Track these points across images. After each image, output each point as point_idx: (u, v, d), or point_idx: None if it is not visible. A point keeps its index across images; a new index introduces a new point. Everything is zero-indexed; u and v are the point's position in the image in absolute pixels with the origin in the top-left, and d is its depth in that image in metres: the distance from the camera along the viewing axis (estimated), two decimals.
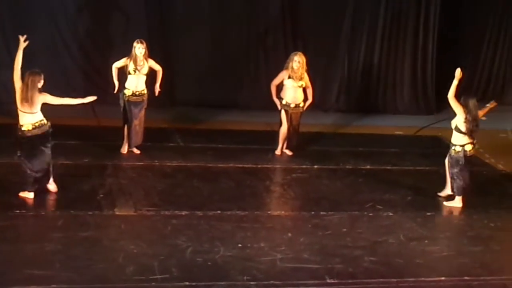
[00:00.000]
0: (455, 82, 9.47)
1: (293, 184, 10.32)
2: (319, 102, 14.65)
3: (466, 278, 7.68)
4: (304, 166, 11.07)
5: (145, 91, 10.77)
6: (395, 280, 7.51)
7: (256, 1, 14.30)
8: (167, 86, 13.85)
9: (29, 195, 8.80)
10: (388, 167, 11.37)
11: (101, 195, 9.20)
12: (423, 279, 7.66)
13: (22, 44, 8.73)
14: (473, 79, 15.75)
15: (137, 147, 10.93)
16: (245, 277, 7.24)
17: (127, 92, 10.68)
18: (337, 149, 12.12)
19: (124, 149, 10.88)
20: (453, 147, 9.58)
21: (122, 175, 10.05)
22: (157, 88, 10.94)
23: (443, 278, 7.71)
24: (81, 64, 13.62)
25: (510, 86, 16.40)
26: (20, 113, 8.73)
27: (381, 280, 7.48)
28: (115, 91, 10.73)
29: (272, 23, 14.44)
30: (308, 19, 14.56)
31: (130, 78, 10.65)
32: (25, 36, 8.77)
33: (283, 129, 11.37)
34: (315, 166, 11.11)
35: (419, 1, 14.97)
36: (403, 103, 15.11)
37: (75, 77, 13.43)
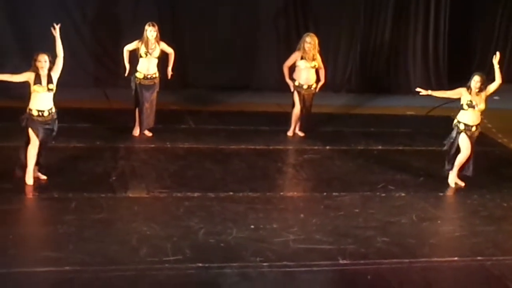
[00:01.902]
0: (497, 66, 9.38)
1: (305, 165, 10.32)
2: (331, 83, 14.58)
3: (479, 258, 7.66)
4: (316, 147, 11.06)
5: (157, 74, 10.76)
6: (407, 260, 7.51)
7: None
8: (178, 68, 13.80)
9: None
10: (400, 148, 11.35)
11: (114, 178, 9.23)
12: (436, 259, 7.66)
13: (58, 32, 8.74)
14: (487, 57, 15.60)
15: (149, 130, 10.94)
16: (258, 258, 7.26)
17: (139, 75, 10.67)
18: (349, 130, 12.10)
19: (136, 132, 10.89)
20: (476, 127, 9.46)
21: (134, 158, 10.07)
22: (169, 72, 10.93)
23: (456, 258, 7.71)
24: (91, 47, 13.61)
25: None
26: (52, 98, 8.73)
27: (394, 260, 7.48)
28: (126, 74, 10.73)
29: (283, 4, 14.39)
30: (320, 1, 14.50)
31: (141, 61, 10.63)
32: (59, 25, 8.79)
33: (296, 110, 11.36)
34: (327, 147, 11.10)
35: None
36: (415, 83, 15.01)
37: (85, 60, 13.43)
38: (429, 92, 9.80)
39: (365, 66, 14.95)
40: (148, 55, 10.56)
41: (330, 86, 14.44)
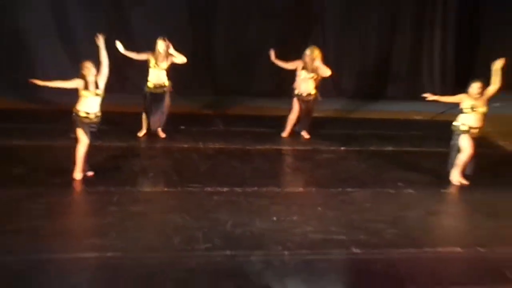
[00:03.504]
0: (499, 72, 9.36)
1: (322, 164, 10.30)
2: (345, 90, 14.62)
3: (480, 249, 7.60)
4: (332, 148, 11.03)
5: (166, 83, 10.74)
6: (414, 250, 7.47)
7: None
8: (209, 76, 13.92)
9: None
10: (409, 149, 11.29)
11: (151, 174, 9.29)
12: (440, 249, 7.60)
13: (102, 42, 8.85)
14: (489, 67, 15.43)
15: (162, 131, 10.93)
16: (279, 247, 7.26)
17: (149, 84, 10.69)
18: (362, 132, 12.06)
19: (141, 133, 10.83)
20: (476, 129, 9.42)
21: (170, 156, 10.12)
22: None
23: (459, 249, 7.64)
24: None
25: None
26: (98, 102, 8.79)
27: (402, 250, 7.44)
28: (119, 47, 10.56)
29: (311, 18, 14.38)
30: (337, 14, 14.47)
31: (151, 72, 10.65)
32: (103, 35, 8.92)
33: (293, 116, 11.29)
34: (342, 148, 11.07)
35: None
36: (424, 90, 14.94)
37: (125, 67, 13.46)
38: (435, 97, 9.76)
39: (377, 75, 14.91)
40: (156, 66, 10.58)
41: (344, 93, 14.49)
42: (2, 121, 10.83)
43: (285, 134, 11.43)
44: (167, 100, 10.80)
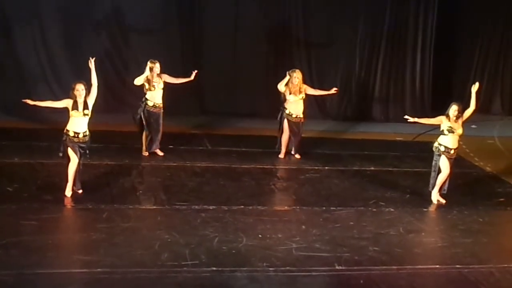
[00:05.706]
0: (475, 95, 9.47)
1: (306, 183, 10.29)
2: (330, 112, 14.65)
3: (457, 266, 7.62)
4: (316, 167, 11.03)
5: (161, 104, 10.73)
6: (395, 267, 7.47)
7: (278, 24, 14.30)
8: (197, 97, 13.92)
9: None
10: (390, 169, 11.31)
11: (140, 191, 9.24)
12: (420, 266, 7.62)
13: (93, 64, 8.81)
14: (464, 90, 15.58)
15: (160, 149, 10.91)
16: (264, 264, 7.23)
17: (149, 103, 10.65)
18: (345, 152, 12.07)
19: (146, 153, 10.81)
20: (454, 150, 9.47)
21: (158, 174, 10.08)
22: (193, 75, 10.90)
23: (437, 266, 7.66)
24: (121, 76, 13.60)
25: (496, 99, 16.33)
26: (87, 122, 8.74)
27: (383, 267, 7.44)
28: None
29: (291, 41, 14.46)
30: (321, 39, 14.55)
31: (149, 93, 10.62)
32: (94, 58, 8.89)
33: (285, 136, 11.30)
34: (326, 167, 11.07)
35: (416, 21, 14.97)
36: (404, 113, 15.03)
37: (116, 88, 13.46)
38: (416, 119, 9.80)
39: (360, 98, 14.97)
40: (154, 88, 10.57)
41: (329, 115, 14.51)
42: None
43: (281, 155, 11.36)
44: (161, 119, 10.76)
